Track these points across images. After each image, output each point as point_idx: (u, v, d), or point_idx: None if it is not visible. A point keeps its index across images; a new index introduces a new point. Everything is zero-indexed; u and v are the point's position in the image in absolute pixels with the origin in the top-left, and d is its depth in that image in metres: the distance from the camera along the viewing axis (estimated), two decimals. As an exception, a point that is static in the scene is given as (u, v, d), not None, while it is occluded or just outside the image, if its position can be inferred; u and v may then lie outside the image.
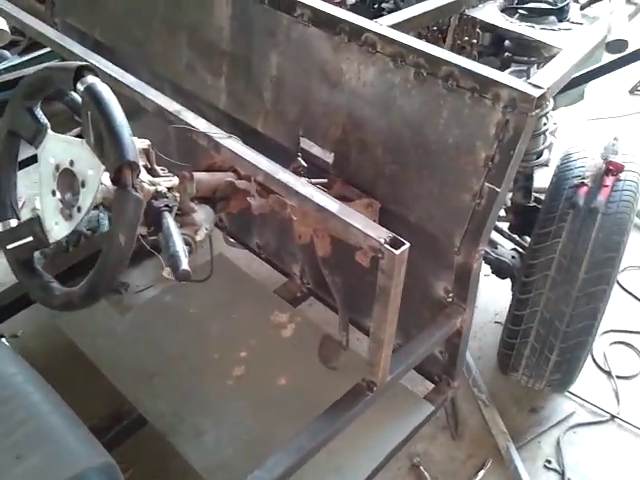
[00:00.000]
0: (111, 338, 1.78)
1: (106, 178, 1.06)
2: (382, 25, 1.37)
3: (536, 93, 1.18)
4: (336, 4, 2.42)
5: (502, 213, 1.98)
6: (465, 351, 1.57)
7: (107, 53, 1.71)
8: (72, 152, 1.07)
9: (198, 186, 1.30)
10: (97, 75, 1.03)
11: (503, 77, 1.23)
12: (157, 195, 1.14)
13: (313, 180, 1.43)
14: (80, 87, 1.00)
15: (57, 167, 1.10)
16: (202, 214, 1.28)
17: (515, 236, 2.01)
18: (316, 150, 1.54)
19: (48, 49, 2.95)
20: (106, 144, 0.98)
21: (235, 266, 2.00)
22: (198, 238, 1.21)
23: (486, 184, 1.26)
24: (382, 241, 1.04)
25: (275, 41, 1.53)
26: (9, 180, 1.20)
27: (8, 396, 1.23)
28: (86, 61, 1.50)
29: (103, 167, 1.03)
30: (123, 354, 1.75)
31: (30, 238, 1.14)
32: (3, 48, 3.18)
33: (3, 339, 1.79)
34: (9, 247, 1.16)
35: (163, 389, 1.67)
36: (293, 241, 1.77)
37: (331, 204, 1.12)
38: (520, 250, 1.95)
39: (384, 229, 1.07)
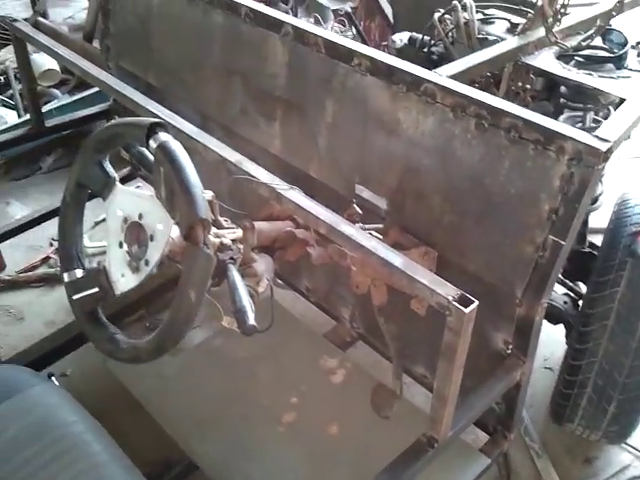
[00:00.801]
0: (161, 381, 1.78)
1: (174, 232, 1.07)
2: (442, 75, 1.37)
3: (603, 147, 1.16)
4: (382, 47, 2.45)
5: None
6: (523, 403, 1.53)
7: (158, 96, 1.75)
8: (141, 206, 1.09)
9: (259, 236, 1.30)
10: (168, 132, 1.04)
11: (568, 129, 1.21)
12: (222, 247, 1.14)
13: (368, 226, 1.43)
14: (153, 144, 1.02)
15: (125, 220, 1.11)
16: (262, 264, 1.28)
17: (567, 281, 1.97)
18: (371, 197, 1.54)
19: (97, 89, 3.02)
20: (179, 201, 0.99)
21: (283, 308, 1.99)
22: (260, 289, 1.21)
23: (550, 237, 1.24)
24: (450, 298, 1.02)
25: (331, 89, 1.54)
26: (75, 230, 1.21)
27: (68, 446, 1.23)
28: (147, 110, 1.53)
29: (173, 222, 1.04)
30: (173, 398, 1.74)
31: (96, 289, 1.15)
32: (53, 87, 3.28)
33: (53, 378, 1.80)
34: (75, 297, 1.17)
35: (213, 435, 1.66)
36: (343, 285, 1.77)
37: (395, 258, 1.11)
38: (573, 295, 1.92)
39: (452, 286, 1.05)
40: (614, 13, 1.73)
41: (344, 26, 4.42)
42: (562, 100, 1.71)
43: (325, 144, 1.60)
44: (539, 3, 1.69)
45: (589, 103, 1.64)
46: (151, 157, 1.07)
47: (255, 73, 1.71)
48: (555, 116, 1.73)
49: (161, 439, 1.67)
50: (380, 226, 1.50)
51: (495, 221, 1.32)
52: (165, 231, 1.06)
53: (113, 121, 1.12)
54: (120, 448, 1.30)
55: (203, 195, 1.00)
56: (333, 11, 4.51)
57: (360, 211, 1.51)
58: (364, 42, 2.54)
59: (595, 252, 1.81)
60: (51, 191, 2.98)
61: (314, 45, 1.54)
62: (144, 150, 1.20)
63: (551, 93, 1.77)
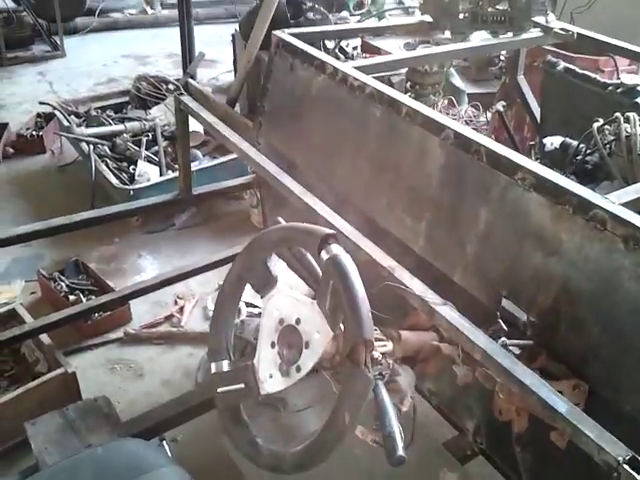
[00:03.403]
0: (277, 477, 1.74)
1: (329, 343, 1.05)
2: (614, 203, 1.31)
3: None
4: (529, 147, 2.40)
5: None
6: None
7: (300, 176, 1.78)
8: (300, 311, 1.08)
9: (403, 347, 1.26)
10: (340, 243, 1.04)
11: None
12: (372, 362, 1.10)
13: (511, 341, 1.36)
14: (324, 255, 1.01)
15: (281, 321, 1.11)
16: (405, 378, 1.24)
17: None
18: (519, 313, 1.47)
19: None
20: (345, 317, 0.97)
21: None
22: (404, 409, 1.17)
23: None
24: (620, 460, 0.94)
25: (488, 198, 1.50)
26: (228, 322, 1.22)
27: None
28: (301, 200, 1.55)
29: (332, 334, 1.02)
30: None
31: (242, 385, 1.14)
32: (194, 147, 3.45)
33: (164, 442, 1.81)
34: (219, 390, 1.17)
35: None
36: (470, 395, 1.69)
37: (559, 403, 1.04)
38: None
39: (622, 445, 0.97)
40: None
41: (477, 110, 4.42)
42: None
43: (473, 251, 1.55)
44: None
45: None
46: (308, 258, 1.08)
47: (408, 170, 1.70)
48: None
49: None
50: (525, 343, 1.42)
51: (662, 365, 1.22)
52: (322, 341, 1.04)
53: (284, 224, 1.13)
54: None
55: (369, 315, 0.98)
56: (468, 95, 4.53)
57: (505, 327, 1.44)
58: (514, 146, 2.50)
59: None
60: (181, 249, 3.10)
61: (475, 153, 1.52)
62: (303, 251, 1.20)
63: None
